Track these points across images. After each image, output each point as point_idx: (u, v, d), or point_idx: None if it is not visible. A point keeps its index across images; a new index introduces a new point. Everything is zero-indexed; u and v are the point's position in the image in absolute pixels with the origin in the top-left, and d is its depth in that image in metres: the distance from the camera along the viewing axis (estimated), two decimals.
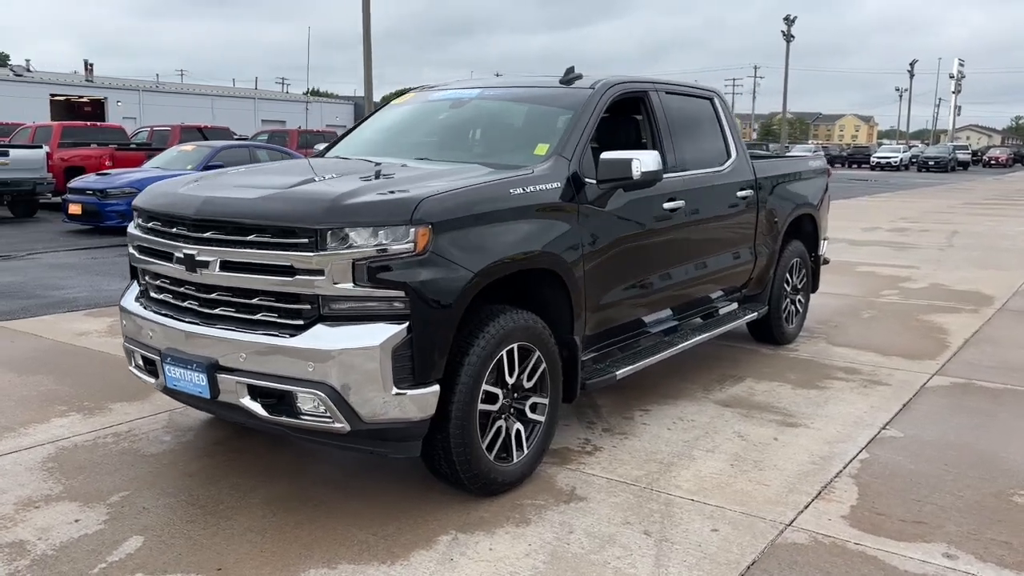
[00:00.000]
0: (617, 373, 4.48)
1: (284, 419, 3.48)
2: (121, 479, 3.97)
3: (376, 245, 3.32)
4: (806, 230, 6.84)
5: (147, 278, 4.04)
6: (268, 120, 56.37)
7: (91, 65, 58.45)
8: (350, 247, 3.31)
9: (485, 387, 3.64)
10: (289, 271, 3.38)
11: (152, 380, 3.94)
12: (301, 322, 3.42)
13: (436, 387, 3.43)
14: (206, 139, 19.24)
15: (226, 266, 3.52)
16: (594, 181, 4.27)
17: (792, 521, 3.60)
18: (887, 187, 33.68)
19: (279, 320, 3.47)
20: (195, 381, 3.60)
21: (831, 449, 4.43)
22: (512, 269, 3.76)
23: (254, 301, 3.51)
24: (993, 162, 65.50)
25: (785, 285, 6.46)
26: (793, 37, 58.27)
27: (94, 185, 13.77)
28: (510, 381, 3.79)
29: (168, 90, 61.49)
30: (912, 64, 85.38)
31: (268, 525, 3.52)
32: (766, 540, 3.43)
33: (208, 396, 3.57)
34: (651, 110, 5.01)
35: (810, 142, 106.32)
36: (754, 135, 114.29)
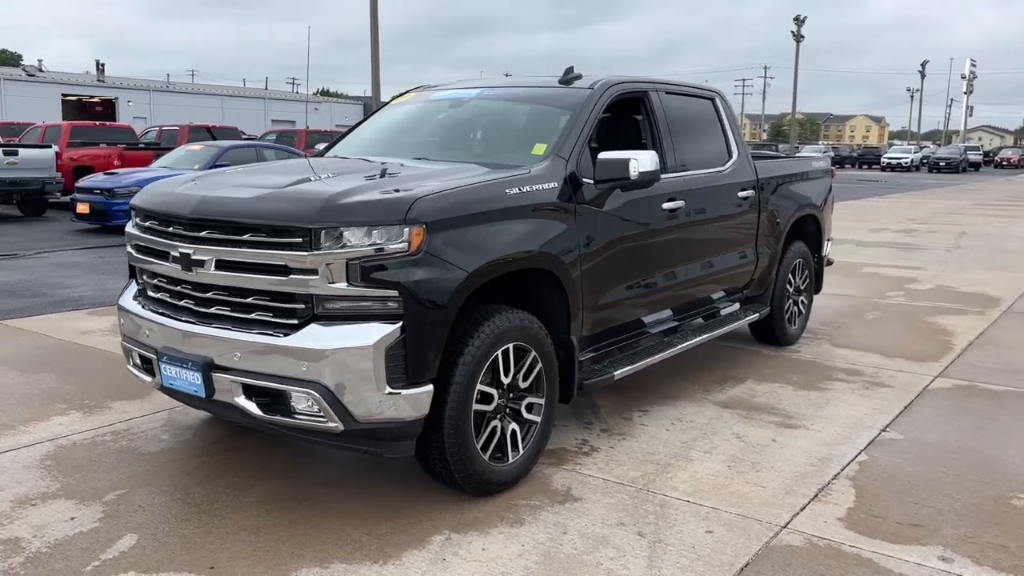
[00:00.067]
0: (615, 374, 4.46)
1: (279, 418, 3.48)
2: (118, 477, 3.98)
3: (370, 245, 3.32)
4: (809, 231, 6.81)
5: (145, 277, 4.05)
6: (278, 120, 56.52)
7: (103, 65, 58.79)
8: (344, 246, 3.31)
9: (480, 387, 3.64)
10: (283, 270, 3.38)
11: (149, 379, 3.95)
12: (295, 321, 3.43)
13: (430, 387, 3.43)
14: (215, 139, 19.32)
15: (221, 265, 3.53)
16: (592, 181, 4.26)
17: (787, 523, 3.58)
18: (897, 188, 33.53)
19: (274, 319, 3.48)
20: (190, 380, 3.61)
21: (830, 451, 4.41)
22: (508, 269, 3.76)
23: (249, 300, 3.52)
24: (1005, 163, 65.13)
25: (787, 286, 6.44)
26: (803, 37, 58.03)
27: (102, 184, 13.84)
28: (505, 381, 3.79)
29: (178, 90, 61.73)
30: (923, 64, 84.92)
31: (262, 524, 3.52)
32: (760, 542, 3.41)
33: (203, 395, 3.58)
34: (651, 110, 5.00)
35: (821, 143, 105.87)
36: (764, 135, 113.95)
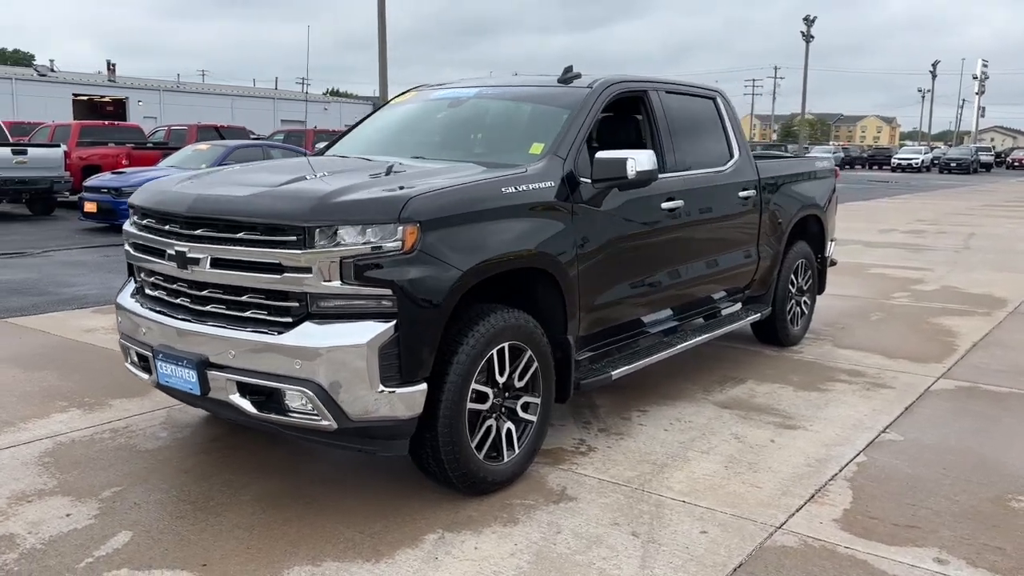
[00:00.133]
0: (613, 373, 4.45)
1: (273, 416, 3.49)
2: (115, 474, 3.99)
3: (364, 243, 3.32)
4: (812, 231, 6.78)
5: (142, 275, 4.07)
6: (287, 120, 56.70)
7: (113, 65, 59.04)
8: (338, 245, 3.32)
9: (475, 386, 3.64)
10: (278, 268, 3.38)
11: (146, 376, 3.96)
12: (289, 320, 3.43)
13: (423, 385, 3.43)
14: (223, 138, 19.38)
15: (216, 263, 3.53)
16: (589, 180, 4.25)
17: (783, 524, 3.56)
18: (907, 188, 33.37)
19: (268, 317, 3.48)
20: (185, 377, 3.62)
21: (828, 452, 4.38)
22: (503, 268, 3.75)
23: (244, 299, 3.53)
24: (1017, 164, 64.66)
25: (790, 286, 6.41)
26: (813, 37, 57.84)
27: (109, 183, 13.90)
28: (501, 380, 3.78)
29: (188, 90, 61.96)
30: (934, 65, 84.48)
31: (256, 522, 3.53)
32: (755, 543, 3.39)
33: (198, 392, 3.59)
34: (651, 110, 4.98)
35: (831, 143, 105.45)
36: (774, 136, 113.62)
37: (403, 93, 5.61)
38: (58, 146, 16.87)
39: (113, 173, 14.95)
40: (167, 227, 3.73)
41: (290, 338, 3.37)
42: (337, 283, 3.32)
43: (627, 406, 5.06)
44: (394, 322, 3.33)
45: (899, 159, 57.16)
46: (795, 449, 4.42)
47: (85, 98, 53.21)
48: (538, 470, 4.08)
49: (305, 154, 15.80)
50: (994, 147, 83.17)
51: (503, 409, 3.84)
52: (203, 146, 15.82)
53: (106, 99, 54.75)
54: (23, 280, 9.25)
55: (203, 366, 3.55)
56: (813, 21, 57.55)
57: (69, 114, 46.44)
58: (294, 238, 3.34)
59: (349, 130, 5.48)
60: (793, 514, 3.66)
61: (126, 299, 4.14)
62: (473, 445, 3.67)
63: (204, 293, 3.64)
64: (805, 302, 6.74)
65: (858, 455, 4.35)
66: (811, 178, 6.70)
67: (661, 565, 3.21)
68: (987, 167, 58.83)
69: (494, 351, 3.70)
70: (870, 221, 17.81)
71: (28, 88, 50.12)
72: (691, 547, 3.35)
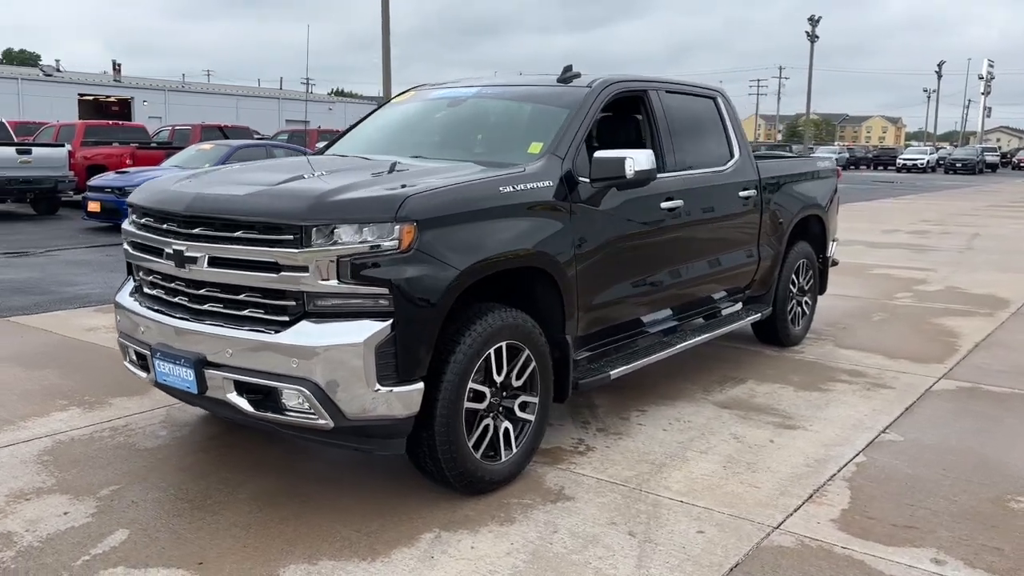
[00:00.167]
0: (611, 373, 4.45)
1: (270, 415, 3.49)
2: (113, 473, 4.00)
3: (361, 242, 3.32)
4: (813, 231, 6.77)
5: (141, 274, 4.08)
6: (292, 120, 56.75)
7: (119, 65, 59.19)
8: (335, 243, 3.32)
9: (472, 385, 3.63)
10: (275, 267, 3.39)
11: (144, 375, 3.97)
12: (287, 318, 3.43)
13: (420, 384, 3.43)
14: (227, 138, 19.42)
15: (214, 262, 3.54)
16: (588, 180, 4.24)
17: (780, 524, 3.56)
18: (912, 189, 33.30)
19: (265, 316, 3.49)
20: (183, 376, 3.62)
21: (827, 452, 4.37)
22: (500, 267, 3.75)
23: (241, 297, 3.53)
24: (1023, 164, 64.49)
25: (791, 287, 6.40)
26: (817, 37, 57.71)
27: (112, 183, 13.93)
28: (498, 379, 3.78)
29: (193, 90, 62.11)
30: (940, 65, 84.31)
31: (253, 520, 3.53)
32: (751, 543, 3.39)
33: (196, 391, 3.60)
34: (650, 109, 4.98)
35: (836, 143, 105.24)
36: (779, 136, 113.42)
37: (403, 93, 5.62)
38: (62, 146, 16.91)
39: (117, 173, 14.98)
40: (165, 226, 3.74)
41: (287, 337, 3.38)
42: (334, 282, 3.32)
43: (626, 406, 5.06)
44: (391, 321, 3.33)
45: (904, 159, 57.04)
46: (794, 449, 4.41)
47: (91, 98, 53.39)
48: (536, 469, 4.07)
49: (307, 154, 15.85)
50: (1000, 147, 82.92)
51: (501, 408, 3.84)
52: (207, 146, 15.85)
53: (111, 99, 54.92)
54: (26, 279, 9.28)
55: (200, 365, 3.55)
56: (818, 21, 57.44)
57: (75, 114, 46.59)
58: (291, 237, 3.34)
59: (349, 129, 5.48)
60: (791, 514, 3.65)
61: (125, 298, 4.15)
62: (470, 444, 3.67)
63: (202, 292, 3.64)
64: (806, 302, 6.72)
65: (857, 455, 4.34)
66: (812, 178, 6.68)
67: (657, 565, 3.20)
68: (993, 167, 58.70)
69: (491, 350, 3.69)
70: (874, 221, 17.77)
71: (34, 88, 50.29)
72: (688, 547, 3.34)
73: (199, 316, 3.66)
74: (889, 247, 13.37)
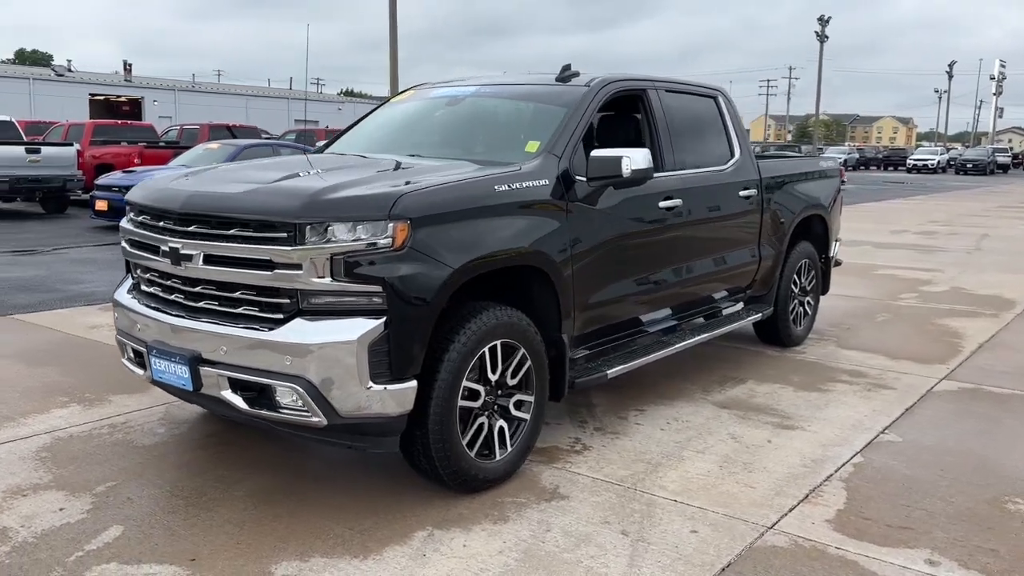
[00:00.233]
0: (608, 372, 4.44)
1: (264, 412, 3.50)
2: (110, 469, 4.02)
3: (354, 240, 3.33)
4: (816, 231, 6.74)
5: (138, 272, 4.10)
6: (301, 120, 56.87)
7: (130, 65, 59.44)
8: (328, 241, 3.32)
9: (466, 383, 3.63)
10: (269, 265, 3.40)
11: (141, 372, 3.98)
12: (280, 316, 3.44)
13: (414, 382, 3.43)
14: (235, 137, 19.48)
15: (209, 260, 3.55)
16: (585, 179, 4.24)
17: (774, 524, 3.54)
18: (922, 190, 33.14)
19: (260, 314, 3.50)
20: (178, 373, 3.64)
21: (824, 452, 4.36)
22: (495, 266, 3.75)
23: (236, 295, 3.54)
24: None
25: (792, 287, 6.38)
26: (827, 38, 57.49)
27: (119, 182, 13.99)
28: (493, 378, 3.78)
29: (203, 90, 62.28)
30: (951, 65, 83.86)
31: (247, 517, 3.54)
32: (744, 543, 3.38)
33: (191, 388, 3.61)
34: (649, 109, 4.97)
35: (846, 144, 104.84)
36: (789, 136, 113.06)
37: (402, 92, 5.62)
38: (71, 145, 17.01)
39: (124, 172, 15.06)
40: (161, 223, 3.75)
41: (281, 334, 3.39)
42: (328, 280, 3.33)
43: (625, 405, 5.05)
44: (384, 319, 3.34)
45: (915, 160, 56.78)
46: (791, 449, 4.40)
47: (101, 98, 53.59)
48: (531, 468, 4.07)
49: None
50: (1012, 148, 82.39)
51: (496, 407, 3.84)
52: (214, 145, 15.90)
53: (122, 99, 55.13)
54: (32, 277, 9.33)
55: (195, 362, 3.56)
56: (828, 21, 57.22)
57: (86, 114, 46.77)
58: (285, 235, 3.35)
59: (348, 128, 5.50)
60: (785, 514, 3.64)
61: (123, 295, 4.17)
62: (464, 443, 3.67)
63: (197, 289, 3.66)
64: (808, 302, 6.70)
65: (855, 456, 4.32)
66: (814, 178, 6.66)
67: (649, 564, 3.20)
68: (1004, 168, 58.35)
69: (486, 349, 3.70)
70: (882, 222, 17.70)
71: (46, 88, 50.53)
72: (680, 546, 3.34)
73: (195, 313, 3.67)
74: (896, 248, 13.31)
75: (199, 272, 3.59)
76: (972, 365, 6.16)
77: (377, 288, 3.33)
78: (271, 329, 3.42)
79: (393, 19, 26.45)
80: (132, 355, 4.05)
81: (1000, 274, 10.59)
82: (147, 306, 3.92)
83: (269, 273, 3.40)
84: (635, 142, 5.12)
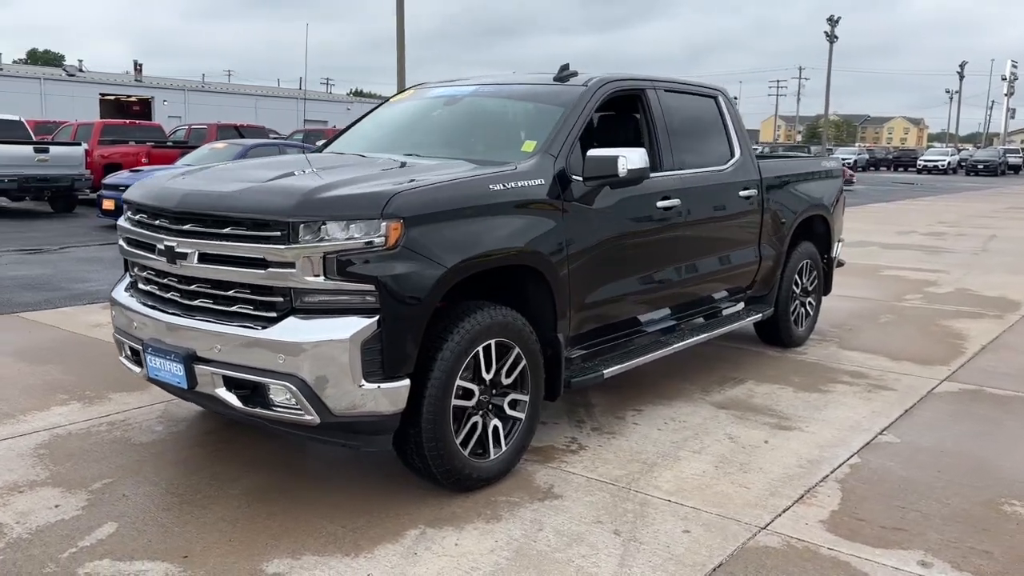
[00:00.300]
0: (605, 372, 4.44)
1: (258, 410, 3.51)
2: (107, 467, 4.04)
3: (347, 238, 3.34)
4: (818, 231, 6.72)
5: (135, 270, 4.12)
6: (310, 120, 57.01)
7: (140, 66, 59.77)
8: (322, 240, 3.33)
9: (460, 382, 3.64)
10: (263, 264, 3.41)
11: (138, 370, 4.00)
12: (274, 314, 3.46)
13: (407, 381, 3.44)
14: (243, 137, 19.55)
15: (204, 258, 3.57)
16: (581, 178, 4.24)
17: (767, 524, 3.53)
18: (931, 191, 32.99)
19: (254, 312, 3.51)
20: (173, 371, 3.65)
21: (821, 453, 4.34)
22: (490, 265, 3.76)
23: (230, 293, 3.56)
24: None
25: (794, 287, 6.36)
26: (836, 38, 57.21)
27: (126, 181, 14.03)
28: (487, 377, 3.78)
29: (213, 90, 62.53)
30: (962, 66, 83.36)
31: (241, 515, 3.56)
32: (737, 543, 3.37)
33: (186, 386, 3.63)
34: (648, 108, 4.96)
35: (857, 144, 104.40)
36: (799, 137, 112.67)
37: (402, 91, 5.63)
38: (79, 144, 17.10)
39: (131, 171, 15.12)
40: (158, 222, 3.77)
41: (274, 333, 3.40)
42: (321, 278, 3.34)
43: (623, 405, 5.04)
44: (377, 317, 3.34)
45: (925, 161, 56.55)
46: (788, 450, 4.38)
47: (112, 98, 53.89)
48: (526, 467, 4.07)
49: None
50: (1023, 149, 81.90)
51: (490, 406, 3.84)
52: (220, 144, 15.96)
53: (132, 99, 55.41)
54: (38, 275, 9.39)
55: (190, 360, 3.58)
56: (837, 21, 56.94)
57: (96, 113, 47.04)
58: (278, 233, 3.36)
59: (348, 127, 5.51)
60: (779, 515, 3.63)
61: (120, 294, 4.19)
62: (458, 441, 3.67)
63: (192, 288, 3.68)
64: (810, 303, 6.68)
65: (852, 457, 4.31)
66: (816, 178, 6.64)
67: (640, 563, 3.20)
68: (1015, 169, 58.03)
69: (480, 348, 3.70)
70: (890, 223, 17.62)
71: (57, 88, 50.85)
72: (672, 546, 3.33)
73: (190, 312, 3.69)
74: (903, 248, 13.25)
75: (194, 270, 3.61)
76: (974, 367, 6.13)
77: (370, 287, 3.34)
78: (265, 327, 3.43)
79: (400, 19, 26.48)
80: (129, 353, 4.07)
81: (1006, 275, 10.53)
82: (144, 304, 3.94)
83: (263, 271, 3.41)
84: (634, 142, 5.12)
